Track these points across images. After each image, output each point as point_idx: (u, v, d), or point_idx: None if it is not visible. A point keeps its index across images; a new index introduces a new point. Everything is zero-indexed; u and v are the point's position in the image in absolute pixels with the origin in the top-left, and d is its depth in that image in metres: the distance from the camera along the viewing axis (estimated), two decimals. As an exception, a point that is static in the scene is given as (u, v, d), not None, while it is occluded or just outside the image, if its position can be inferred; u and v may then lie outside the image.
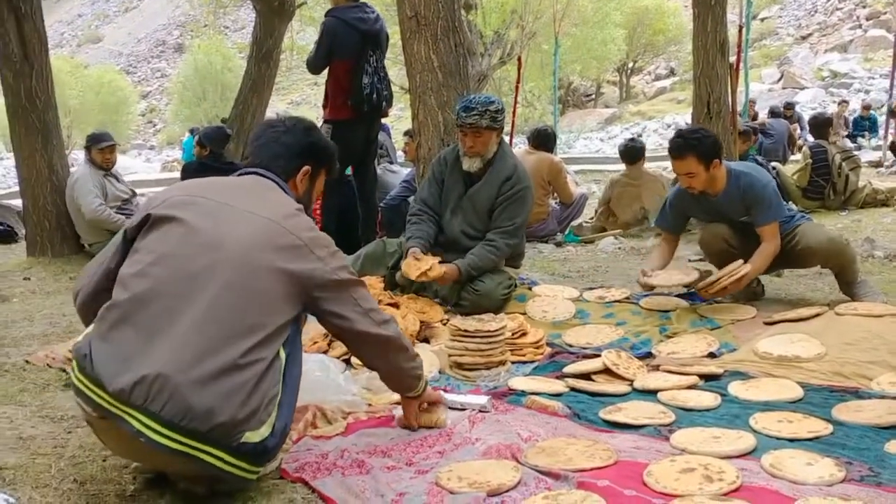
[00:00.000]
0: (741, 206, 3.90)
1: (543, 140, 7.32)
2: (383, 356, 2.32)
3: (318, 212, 5.74)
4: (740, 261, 3.77)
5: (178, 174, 17.50)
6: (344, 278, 2.18)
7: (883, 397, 2.62)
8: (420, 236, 4.10)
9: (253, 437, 1.93)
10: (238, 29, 54.50)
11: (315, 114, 39.29)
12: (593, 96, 38.94)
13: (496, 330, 3.18)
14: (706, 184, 3.86)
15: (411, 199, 6.88)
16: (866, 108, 17.17)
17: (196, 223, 2.08)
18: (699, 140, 3.80)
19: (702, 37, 6.36)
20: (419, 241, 4.06)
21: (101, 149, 6.34)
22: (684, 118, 25.17)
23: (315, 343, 3.36)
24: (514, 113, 13.93)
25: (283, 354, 2.06)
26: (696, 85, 6.49)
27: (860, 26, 34.38)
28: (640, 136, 26.15)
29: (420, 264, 3.77)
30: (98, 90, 37.36)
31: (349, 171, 5.87)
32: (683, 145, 3.80)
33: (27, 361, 3.42)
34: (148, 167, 25.42)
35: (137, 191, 6.89)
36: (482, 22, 14.45)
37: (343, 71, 5.49)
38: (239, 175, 2.36)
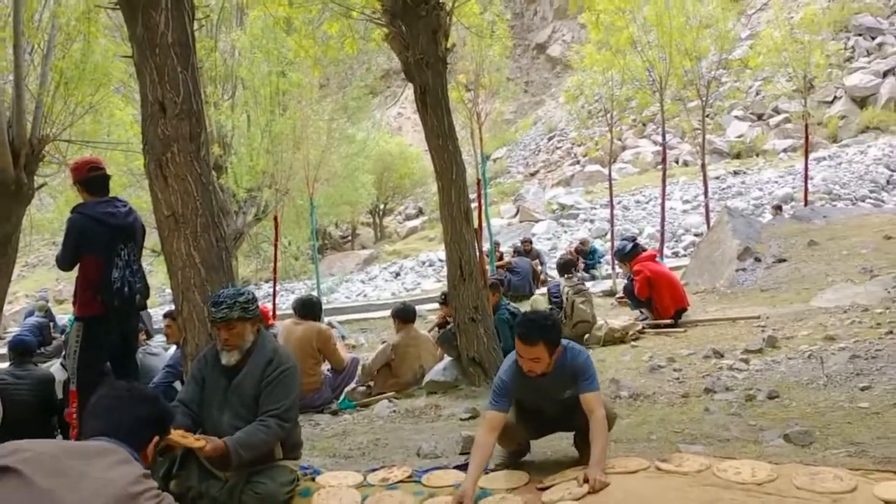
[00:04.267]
0: (568, 380, 4.05)
1: (309, 309, 7.42)
2: None
3: (75, 415, 5.36)
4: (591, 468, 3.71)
5: None
6: None
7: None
8: (178, 422, 3.96)
9: None
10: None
11: (53, 274, 36.47)
12: (350, 237, 40.08)
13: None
14: (546, 367, 4.02)
15: (177, 384, 6.61)
16: (577, 250, 18.10)
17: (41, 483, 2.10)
18: (549, 329, 3.97)
19: (448, 207, 6.90)
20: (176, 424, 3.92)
21: None
22: (437, 254, 26.61)
23: None
24: (274, 269, 14.07)
25: None
26: (448, 250, 6.98)
27: (578, 162, 38.73)
28: (398, 274, 27.28)
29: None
30: None
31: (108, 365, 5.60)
32: (535, 332, 3.94)
33: None
34: None
35: None
36: (234, 183, 14.59)
37: (92, 266, 5.34)
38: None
